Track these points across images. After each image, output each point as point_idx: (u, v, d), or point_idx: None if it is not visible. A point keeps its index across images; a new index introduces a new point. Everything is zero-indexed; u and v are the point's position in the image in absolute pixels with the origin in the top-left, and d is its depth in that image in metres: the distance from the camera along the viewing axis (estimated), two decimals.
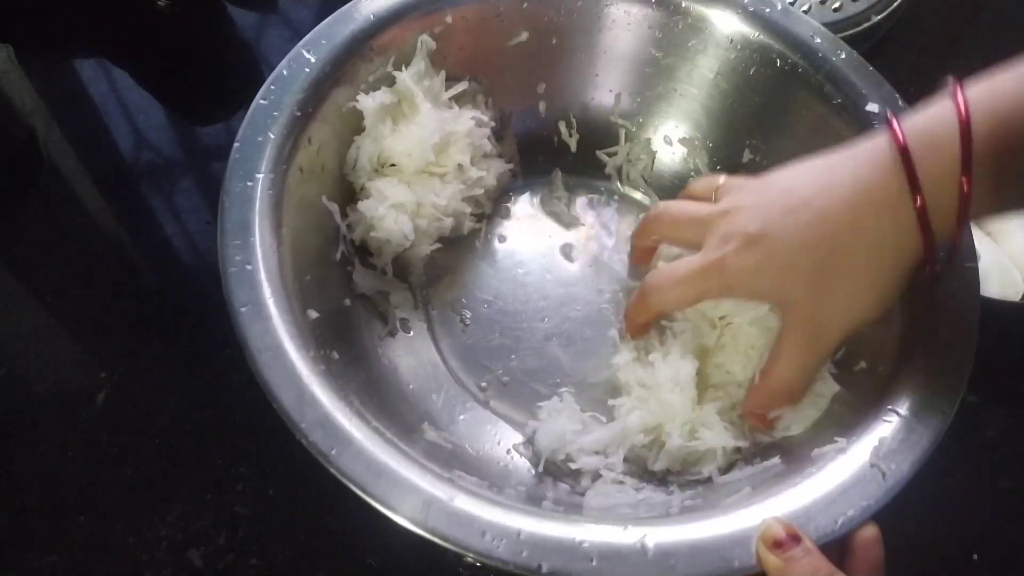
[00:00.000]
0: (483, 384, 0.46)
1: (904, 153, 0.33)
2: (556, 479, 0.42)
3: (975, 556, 0.43)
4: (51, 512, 0.43)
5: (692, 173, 0.54)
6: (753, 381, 0.40)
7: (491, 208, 0.52)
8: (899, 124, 0.33)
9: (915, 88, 0.63)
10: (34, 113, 0.60)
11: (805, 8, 0.58)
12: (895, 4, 0.60)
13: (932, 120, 0.33)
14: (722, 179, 0.42)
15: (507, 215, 0.53)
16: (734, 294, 0.39)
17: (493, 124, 0.51)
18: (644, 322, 0.43)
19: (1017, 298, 0.48)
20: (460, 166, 0.48)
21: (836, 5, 0.59)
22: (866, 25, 0.59)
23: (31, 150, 0.58)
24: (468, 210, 0.49)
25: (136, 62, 0.64)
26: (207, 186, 0.57)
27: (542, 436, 0.42)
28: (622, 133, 0.54)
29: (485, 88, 0.52)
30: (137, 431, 0.46)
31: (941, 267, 0.36)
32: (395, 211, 0.46)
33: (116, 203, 0.57)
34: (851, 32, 0.59)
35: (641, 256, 0.47)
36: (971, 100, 0.32)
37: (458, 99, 0.49)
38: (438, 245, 0.48)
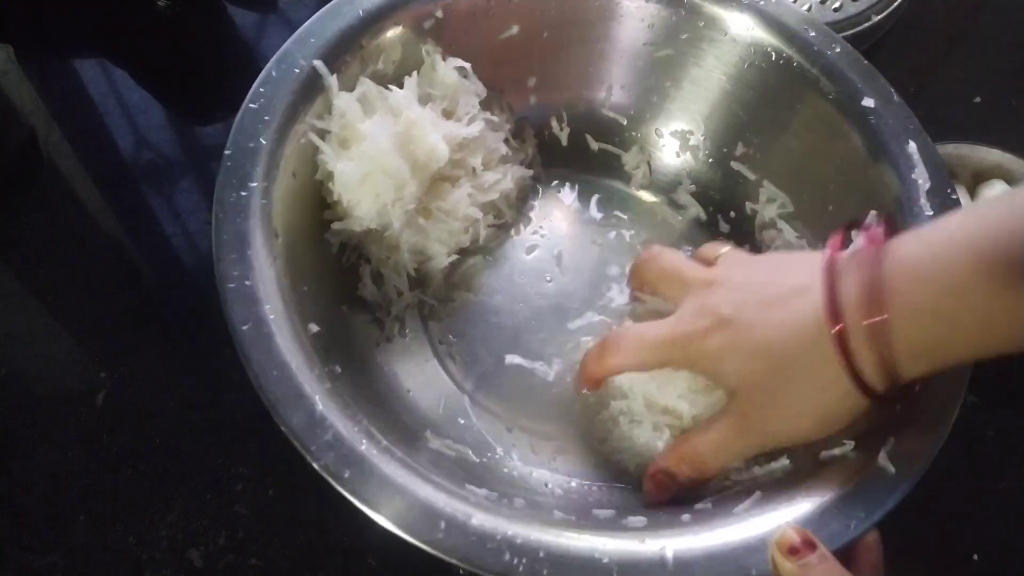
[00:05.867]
0: (481, 388, 0.46)
1: (829, 274, 0.33)
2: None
3: (975, 556, 0.43)
4: (51, 512, 0.43)
5: (686, 172, 0.54)
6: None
7: (513, 216, 0.51)
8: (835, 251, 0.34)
9: (915, 88, 0.64)
10: (34, 113, 0.60)
11: (806, 8, 0.58)
12: (895, 4, 0.60)
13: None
14: (726, 248, 0.42)
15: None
16: (694, 370, 0.38)
17: (509, 127, 0.50)
18: (600, 378, 0.41)
19: None
20: (473, 170, 0.47)
21: (836, 5, 0.59)
22: (866, 25, 0.59)
23: (31, 150, 0.58)
24: (480, 216, 0.48)
25: (136, 62, 0.64)
26: (207, 186, 0.57)
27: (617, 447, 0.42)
28: (616, 127, 0.54)
29: (497, 94, 0.50)
30: (137, 431, 0.46)
31: (907, 399, 0.34)
32: (371, 189, 0.43)
33: (116, 203, 0.57)
34: (851, 32, 0.59)
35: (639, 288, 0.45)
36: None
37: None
38: (456, 256, 0.48)
